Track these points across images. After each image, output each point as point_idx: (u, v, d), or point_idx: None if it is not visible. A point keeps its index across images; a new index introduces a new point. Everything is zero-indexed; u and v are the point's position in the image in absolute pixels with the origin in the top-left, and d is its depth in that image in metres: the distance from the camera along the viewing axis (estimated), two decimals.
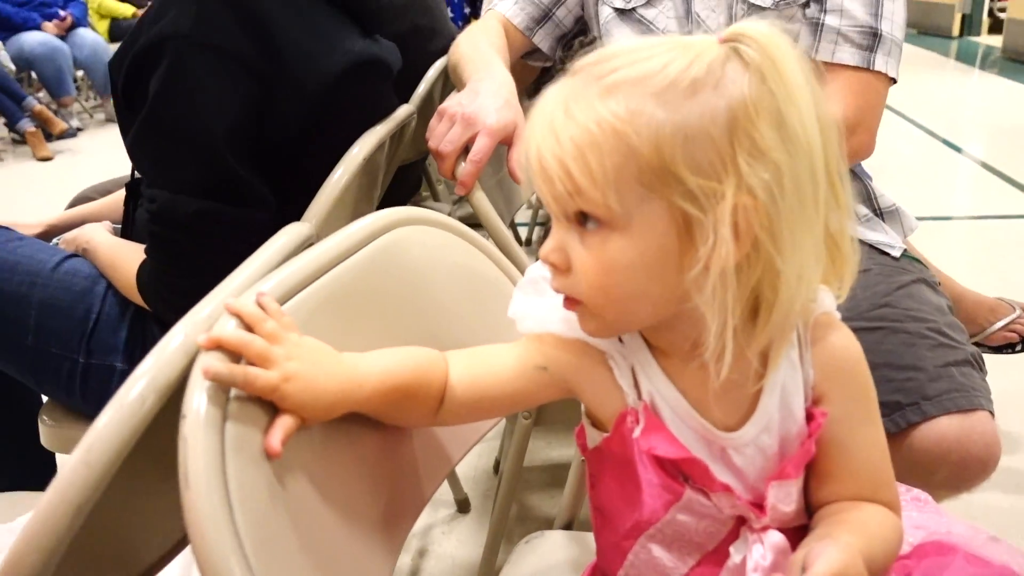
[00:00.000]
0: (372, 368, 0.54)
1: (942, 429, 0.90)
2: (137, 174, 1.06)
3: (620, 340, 0.57)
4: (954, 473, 0.90)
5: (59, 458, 1.22)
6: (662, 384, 0.55)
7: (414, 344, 0.59)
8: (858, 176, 1.18)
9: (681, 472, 0.55)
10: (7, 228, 1.07)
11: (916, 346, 0.97)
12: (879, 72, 1.06)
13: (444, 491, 1.52)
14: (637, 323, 0.54)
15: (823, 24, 1.08)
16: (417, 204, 1.70)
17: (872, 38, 1.06)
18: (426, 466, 0.66)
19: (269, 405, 0.49)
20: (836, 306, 0.57)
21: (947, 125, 4.54)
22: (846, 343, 0.57)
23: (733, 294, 0.48)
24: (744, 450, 0.55)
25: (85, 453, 0.44)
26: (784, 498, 0.55)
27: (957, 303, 1.28)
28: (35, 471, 1.19)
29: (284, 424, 0.48)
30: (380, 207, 1.24)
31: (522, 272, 0.79)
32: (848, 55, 1.06)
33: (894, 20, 1.07)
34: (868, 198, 1.16)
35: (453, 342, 0.64)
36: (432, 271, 0.70)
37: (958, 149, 4.12)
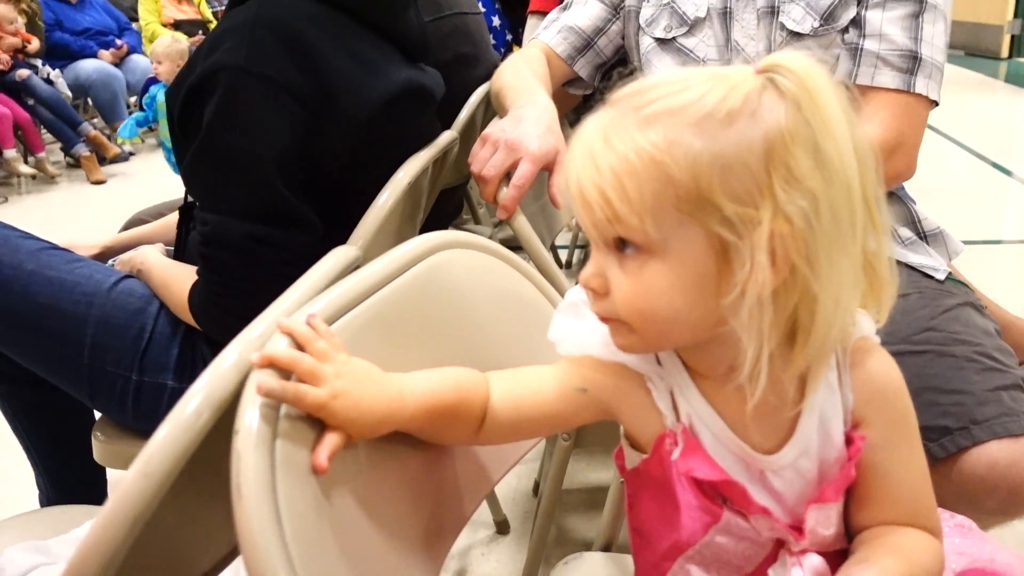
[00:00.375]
0: (416, 387, 0.55)
1: (992, 455, 0.88)
2: (190, 198, 1.10)
3: (659, 362, 0.57)
4: (1005, 500, 0.88)
5: (110, 473, 1.26)
6: (700, 406, 0.56)
7: (456, 364, 0.61)
8: (901, 199, 1.17)
9: (720, 494, 0.55)
10: (66, 249, 1.11)
11: (964, 370, 0.95)
12: (920, 95, 1.05)
13: (483, 512, 1.53)
14: (671, 343, 0.55)
15: (862, 48, 1.08)
16: (459, 227, 1.73)
17: (912, 61, 1.06)
18: (467, 485, 0.67)
19: (317, 423, 0.51)
20: (877, 330, 0.58)
21: (996, 147, 4.45)
22: (885, 367, 0.57)
23: (769, 319, 0.49)
24: (783, 473, 0.55)
25: (144, 465, 0.47)
26: (823, 521, 0.55)
27: (1006, 330, 1.26)
28: (88, 486, 1.23)
29: (331, 441, 0.50)
30: (423, 230, 1.27)
31: (562, 295, 0.80)
32: (888, 78, 1.06)
33: (934, 43, 1.07)
34: (911, 221, 1.15)
35: (494, 363, 0.65)
36: (474, 293, 0.71)
37: (1008, 172, 4.04)
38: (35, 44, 4.50)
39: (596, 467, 1.69)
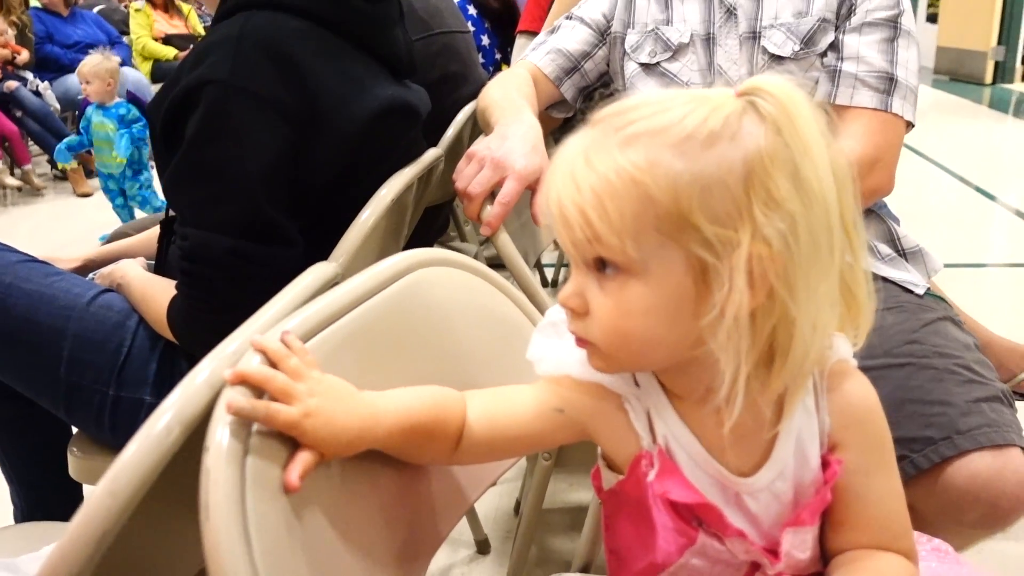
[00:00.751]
0: (391, 406, 0.55)
1: (975, 466, 0.88)
2: (172, 212, 1.09)
3: (636, 383, 0.57)
4: (987, 512, 0.88)
5: (86, 490, 1.24)
6: (677, 428, 0.55)
7: (434, 383, 0.60)
8: (882, 218, 1.19)
9: (695, 516, 0.55)
10: (45, 263, 1.10)
11: (945, 381, 0.96)
12: (896, 115, 1.10)
13: (464, 531, 1.52)
14: (648, 365, 0.55)
15: (840, 71, 1.12)
16: (445, 245, 1.72)
17: (888, 82, 1.10)
18: (443, 504, 0.66)
19: (290, 441, 0.50)
20: (854, 351, 0.58)
21: (981, 172, 4.50)
22: (862, 391, 0.57)
23: (747, 341, 0.48)
24: (759, 496, 0.55)
25: (110, 483, 0.46)
26: (799, 545, 0.55)
27: (987, 348, 1.27)
28: (65, 502, 1.21)
29: (303, 459, 0.49)
30: (408, 247, 1.27)
31: (543, 314, 0.80)
32: (867, 98, 1.10)
33: (908, 67, 1.11)
34: (891, 239, 1.17)
35: (473, 382, 0.65)
36: (454, 312, 0.71)
37: (992, 197, 4.08)
38: (25, 56, 4.50)
39: (578, 487, 1.68)
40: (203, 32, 5.66)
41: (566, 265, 2.47)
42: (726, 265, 0.48)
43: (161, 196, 3.11)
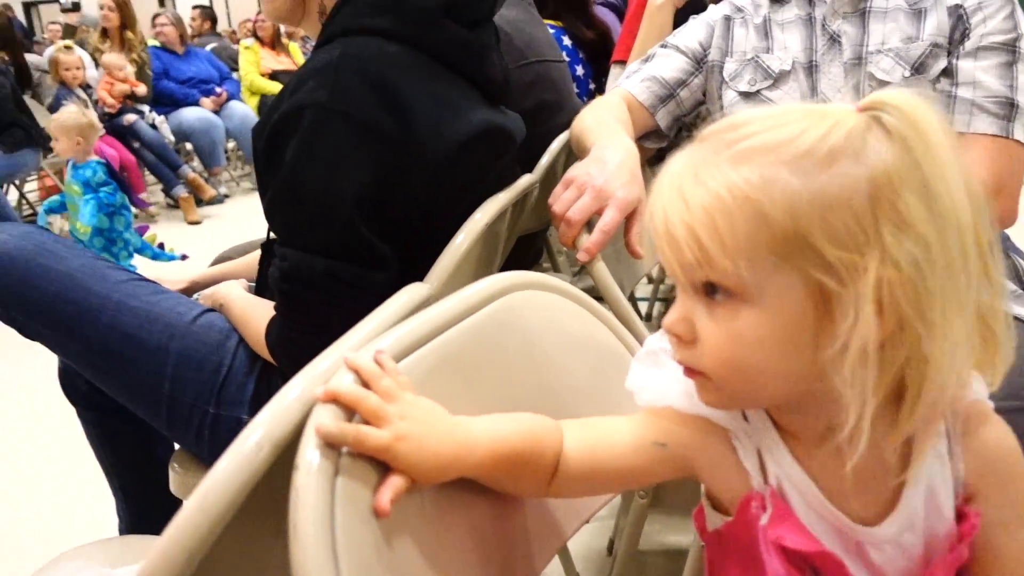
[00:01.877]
0: (485, 433, 0.53)
1: None
2: (271, 235, 1.11)
3: (745, 418, 0.53)
4: None
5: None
6: (792, 469, 0.51)
7: (527, 411, 0.58)
8: (1005, 251, 1.11)
9: (811, 565, 0.50)
10: (153, 281, 1.14)
11: None
12: (1019, 141, 1.04)
13: (556, 569, 1.47)
14: (763, 400, 0.51)
15: (956, 96, 1.07)
16: None
17: (1009, 108, 1.05)
18: (537, 539, 0.63)
19: (381, 462, 0.48)
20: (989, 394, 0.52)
21: None
22: (1002, 436, 0.51)
23: (874, 376, 0.44)
24: (883, 547, 0.50)
25: (201, 499, 0.45)
26: None
27: None
28: (166, 516, 1.23)
29: (394, 484, 0.47)
30: None
31: (641, 343, 0.77)
32: (985, 124, 1.05)
33: None
34: (1016, 274, 1.09)
35: (567, 411, 0.62)
36: (549, 337, 0.69)
37: None
38: (143, 91, 4.77)
39: (675, 529, 1.61)
40: None
41: (661, 299, 2.42)
42: (851, 292, 0.44)
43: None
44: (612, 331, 0.75)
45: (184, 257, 3.08)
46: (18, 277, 1.06)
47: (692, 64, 1.31)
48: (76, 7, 8.09)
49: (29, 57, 5.26)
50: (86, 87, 4.63)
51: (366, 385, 0.49)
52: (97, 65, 4.90)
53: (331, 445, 0.47)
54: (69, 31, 7.48)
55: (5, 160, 3.86)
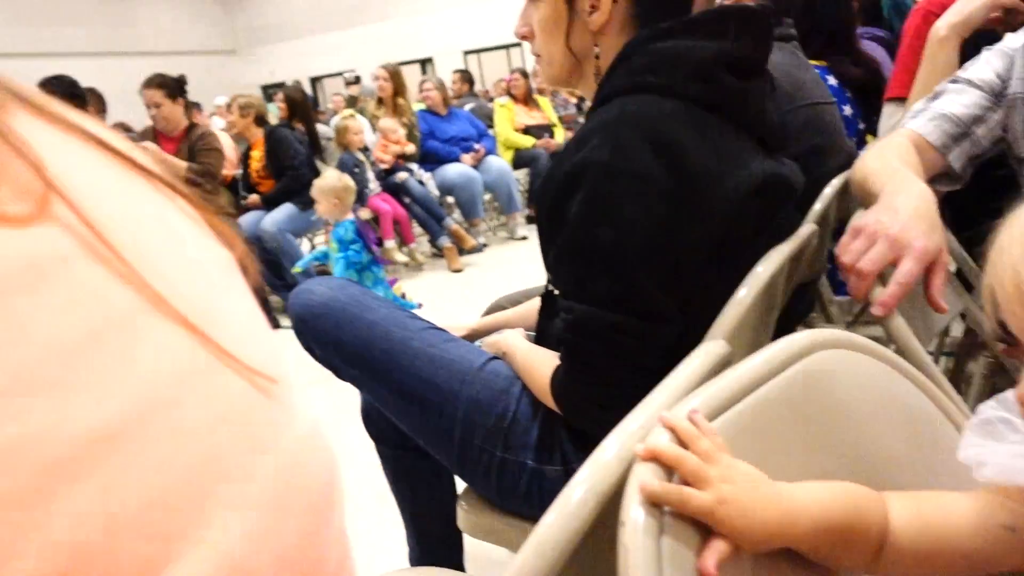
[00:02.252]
0: (807, 501, 0.51)
1: None
2: (550, 287, 1.16)
3: None
4: None
5: (467, 540, 1.35)
6: None
7: (839, 479, 0.56)
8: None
9: None
10: (444, 330, 1.24)
11: None
12: None
13: None
14: None
15: None
16: (810, 326, 1.63)
17: None
18: None
19: (703, 523, 0.49)
20: None
21: None
22: None
23: None
24: None
25: (537, 546, 0.48)
26: None
27: None
28: (448, 549, 1.33)
29: (718, 548, 0.47)
30: (776, 328, 1.21)
31: (958, 408, 0.71)
32: None
33: None
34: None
35: (882, 481, 0.58)
36: (858, 399, 0.65)
37: None
38: (411, 150, 5.24)
39: None
40: (557, 121, 6.16)
41: (947, 354, 2.19)
42: None
43: None
44: (925, 393, 0.70)
45: (420, 306, 3.36)
46: (334, 323, 1.20)
47: (989, 99, 1.19)
48: (357, 80, 9.06)
49: (317, 126, 5.97)
50: (364, 149, 5.17)
51: (684, 445, 0.50)
52: (374, 129, 5.45)
53: (654, 504, 0.48)
54: (351, 101, 8.37)
55: (302, 217, 4.40)
